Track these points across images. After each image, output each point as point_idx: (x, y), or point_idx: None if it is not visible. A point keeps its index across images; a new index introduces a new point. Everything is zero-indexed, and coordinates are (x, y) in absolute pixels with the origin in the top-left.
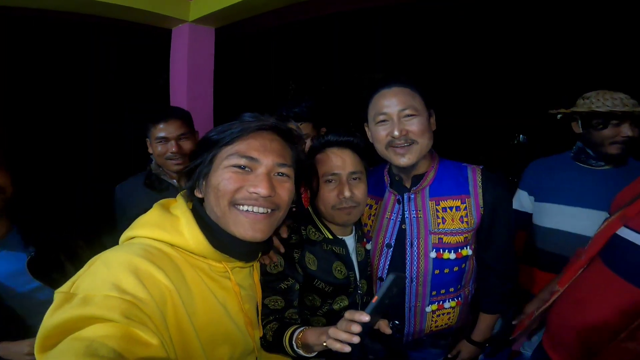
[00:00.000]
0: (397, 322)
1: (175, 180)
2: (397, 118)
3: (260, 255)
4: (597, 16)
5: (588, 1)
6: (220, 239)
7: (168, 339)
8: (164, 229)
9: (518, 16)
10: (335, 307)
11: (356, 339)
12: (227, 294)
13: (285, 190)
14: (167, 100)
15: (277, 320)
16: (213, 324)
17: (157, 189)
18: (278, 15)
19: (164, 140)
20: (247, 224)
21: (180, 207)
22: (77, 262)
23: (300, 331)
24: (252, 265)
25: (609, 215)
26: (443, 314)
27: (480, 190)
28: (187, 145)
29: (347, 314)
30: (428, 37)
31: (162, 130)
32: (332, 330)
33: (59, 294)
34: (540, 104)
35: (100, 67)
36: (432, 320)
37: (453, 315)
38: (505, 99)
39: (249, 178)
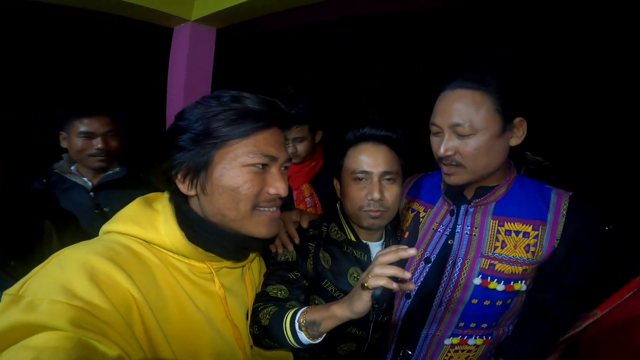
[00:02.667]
0: (409, 351)
1: (85, 179)
2: (447, 132)
3: (255, 256)
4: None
5: None
6: (204, 235)
7: (137, 348)
8: (139, 224)
9: (523, 20)
10: None
11: (407, 274)
12: (210, 299)
13: (287, 185)
14: (163, 99)
15: (276, 306)
16: (190, 333)
17: (60, 188)
18: (280, 19)
19: (87, 136)
20: (269, 224)
21: (162, 202)
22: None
23: (305, 310)
24: (244, 266)
25: None
26: (462, 351)
27: (562, 219)
28: (113, 142)
29: (380, 255)
30: (434, 45)
31: (87, 125)
32: (378, 267)
33: (6, 295)
34: None
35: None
36: (446, 356)
37: (473, 356)
38: None
39: (266, 178)
